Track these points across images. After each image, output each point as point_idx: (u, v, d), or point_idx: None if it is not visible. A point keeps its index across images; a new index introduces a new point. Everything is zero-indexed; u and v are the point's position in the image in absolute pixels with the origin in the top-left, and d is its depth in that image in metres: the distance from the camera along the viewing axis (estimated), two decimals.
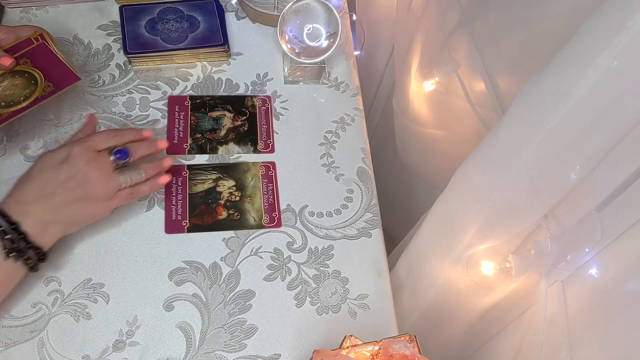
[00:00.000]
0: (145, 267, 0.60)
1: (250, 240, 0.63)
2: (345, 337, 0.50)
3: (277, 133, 0.71)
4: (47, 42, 0.63)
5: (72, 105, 0.69)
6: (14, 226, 0.50)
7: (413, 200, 1.06)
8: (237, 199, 0.65)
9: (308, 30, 0.71)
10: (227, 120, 0.71)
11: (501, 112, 0.64)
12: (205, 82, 0.74)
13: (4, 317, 0.55)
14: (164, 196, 0.64)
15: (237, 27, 0.80)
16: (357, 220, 0.66)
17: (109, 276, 0.59)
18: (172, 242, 0.62)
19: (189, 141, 0.68)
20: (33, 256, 0.51)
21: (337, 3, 0.77)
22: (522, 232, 0.57)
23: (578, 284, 0.52)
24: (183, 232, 0.62)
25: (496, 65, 0.65)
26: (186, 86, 0.73)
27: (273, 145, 0.70)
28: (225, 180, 0.66)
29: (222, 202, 0.65)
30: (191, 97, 0.72)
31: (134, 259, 0.60)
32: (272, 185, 0.67)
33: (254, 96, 0.74)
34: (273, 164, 0.69)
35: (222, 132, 0.70)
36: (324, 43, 0.72)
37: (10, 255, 0.49)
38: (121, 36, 0.72)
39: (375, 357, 0.49)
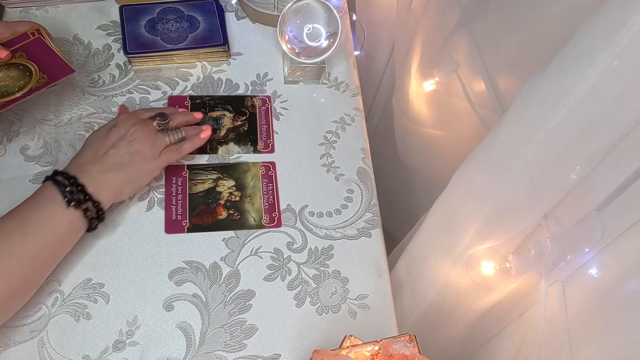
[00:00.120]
0: (145, 267, 0.60)
1: (250, 240, 0.63)
2: (345, 337, 0.50)
3: (277, 133, 0.71)
4: (43, 37, 0.64)
5: (72, 105, 0.69)
6: (73, 180, 0.53)
7: (413, 200, 1.06)
8: (237, 199, 0.65)
9: (308, 30, 0.71)
10: (227, 120, 0.71)
11: (501, 112, 0.64)
12: (205, 82, 0.74)
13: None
14: (164, 196, 0.64)
15: (237, 27, 0.80)
16: (357, 220, 0.66)
17: (109, 276, 0.59)
18: (172, 242, 0.62)
19: None
20: (92, 208, 0.54)
21: (337, 3, 0.77)
22: (522, 232, 0.57)
23: (578, 284, 0.52)
24: (183, 232, 0.62)
25: (496, 65, 0.65)
26: (186, 86, 0.73)
27: (273, 145, 0.70)
28: (225, 180, 0.66)
29: (222, 202, 0.65)
30: (191, 97, 0.72)
31: (134, 259, 0.60)
32: (272, 185, 0.67)
33: (254, 96, 0.74)
34: (273, 164, 0.69)
35: (222, 132, 0.70)
36: (324, 43, 0.72)
37: (71, 204, 0.52)
38: (121, 36, 0.72)
39: (375, 357, 0.49)
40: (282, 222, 0.65)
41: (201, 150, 0.68)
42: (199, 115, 0.67)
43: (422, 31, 0.82)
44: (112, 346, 0.55)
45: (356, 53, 0.82)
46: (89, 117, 0.68)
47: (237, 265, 0.61)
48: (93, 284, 0.58)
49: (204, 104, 0.72)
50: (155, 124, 0.61)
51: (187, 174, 0.66)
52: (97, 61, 0.73)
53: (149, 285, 0.59)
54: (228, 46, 0.75)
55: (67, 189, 0.52)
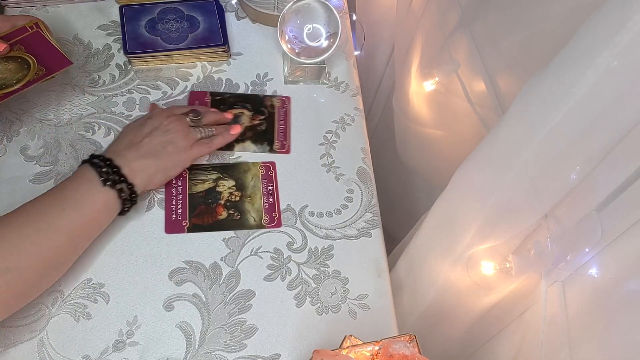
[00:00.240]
0: (145, 267, 0.60)
1: (250, 240, 0.63)
2: (345, 337, 0.50)
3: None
4: (42, 30, 0.64)
5: (72, 105, 0.69)
6: (109, 162, 0.56)
7: (413, 200, 1.06)
8: (237, 199, 0.65)
9: (308, 30, 0.71)
10: (246, 118, 0.72)
11: (501, 112, 0.64)
12: (205, 82, 0.74)
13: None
14: (164, 196, 0.64)
15: (237, 27, 0.80)
16: (357, 220, 0.66)
17: (109, 276, 0.59)
18: (172, 242, 0.62)
19: None
20: (125, 190, 0.56)
21: (337, 3, 0.77)
22: (522, 232, 0.57)
23: (578, 284, 0.52)
24: (183, 232, 0.62)
25: (496, 65, 0.65)
26: (186, 86, 0.73)
27: (289, 146, 0.70)
28: (225, 180, 0.66)
29: (222, 202, 0.65)
30: (212, 93, 0.73)
31: (134, 259, 0.60)
32: (272, 185, 0.67)
33: (274, 96, 0.74)
34: (273, 164, 0.69)
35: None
36: (324, 43, 0.72)
37: (106, 184, 0.54)
38: (121, 36, 0.72)
39: (375, 357, 0.49)
40: (282, 222, 0.65)
41: (218, 148, 0.68)
42: (229, 116, 0.70)
43: (422, 31, 0.82)
44: (112, 346, 0.55)
45: (356, 53, 0.82)
46: (89, 117, 0.68)
47: (237, 265, 0.61)
48: (93, 284, 0.58)
49: (223, 100, 0.72)
50: (188, 119, 0.64)
51: (187, 174, 0.66)
52: (97, 61, 0.73)
53: (149, 285, 0.59)
54: (228, 46, 0.75)
55: (104, 169, 0.55)
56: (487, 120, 0.68)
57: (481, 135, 0.66)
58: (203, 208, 0.64)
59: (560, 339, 0.51)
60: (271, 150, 0.69)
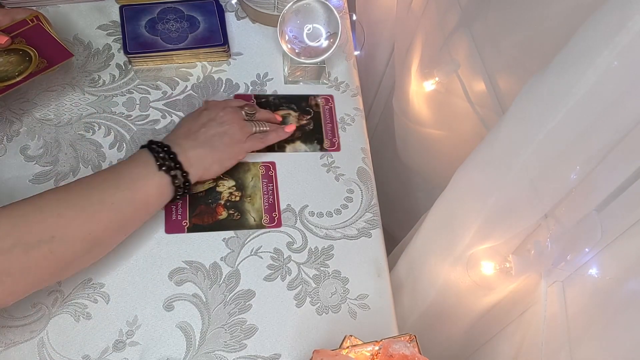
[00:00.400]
0: (145, 267, 0.60)
1: (250, 240, 0.63)
2: (345, 337, 0.50)
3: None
4: (42, 23, 0.65)
5: (72, 105, 0.69)
6: (166, 148, 0.57)
7: (413, 200, 1.06)
8: (237, 199, 0.65)
9: (308, 30, 0.71)
10: (293, 119, 0.72)
11: (501, 112, 0.64)
12: (205, 82, 0.74)
13: (3, 317, 0.55)
14: None
15: (237, 27, 0.80)
16: (357, 220, 0.66)
17: (109, 276, 0.59)
18: (172, 242, 0.62)
19: None
20: (180, 177, 0.57)
21: (337, 3, 0.77)
22: (522, 232, 0.57)
23: (578, 284, 0.52)
24: (183, 232, 0.62)
25: (496, 65, 0.65)
26: (186, 86, 0.73)
27: (339, 144, 0.71)
28: (225, 180, 0.66)
29: (222, 202, 0.65)
30: (256, 96, 0.73)
31: (134, 259, 0.60)
32: (272, 185, 0.67)
33: (317, 95, 0.74)
34: (273, 164, 0.69)
35: None
36: (324, 43, 0.72)
37: (162, 169, 0.55)
38: (121, 36, 0.72)
39: (375, 357, 0.49)
40: (282, 222, 0.65)
41: (269, 149, 0.68)
42: (279, 118, 0.71)
43: (422, 31, 0.82)
44: (112, 346, 0.55)
45: (356, 53, 0.82)
46: (89, 117, 0.68)
47: (237, 265, 0.61)
48: (93, 284, 0.58)
49: (268, 102, 0.73)
50: (243, 112, 0.65)
51: None
52: (97, 61, 0.73)
53: (149, 285, 0.59)
54: (228, 46, 0.75)
55: (160, 154, 0.56)
56: (487, 120, 0.68)
57: (481, 135, 0.66)
58: (203, 208, 0.64)
59: (560, 339, 0.51)
60: (322, 149, 0.70)
